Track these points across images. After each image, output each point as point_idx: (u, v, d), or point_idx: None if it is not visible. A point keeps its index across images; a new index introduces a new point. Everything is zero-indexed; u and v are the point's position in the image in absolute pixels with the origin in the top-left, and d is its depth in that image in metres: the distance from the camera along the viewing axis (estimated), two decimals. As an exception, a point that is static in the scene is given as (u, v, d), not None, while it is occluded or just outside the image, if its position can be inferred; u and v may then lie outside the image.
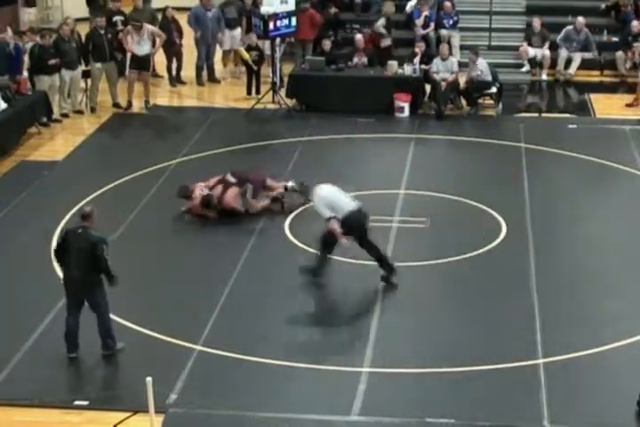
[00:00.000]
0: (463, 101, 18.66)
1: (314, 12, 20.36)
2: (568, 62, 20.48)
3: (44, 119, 17.73)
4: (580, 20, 20.36)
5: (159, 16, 20.43)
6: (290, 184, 14.21)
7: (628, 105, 18.69)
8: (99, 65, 18.55)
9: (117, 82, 18.89)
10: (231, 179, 13.91)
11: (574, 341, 10.65)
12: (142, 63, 18.67)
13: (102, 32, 18.53)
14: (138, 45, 18.48)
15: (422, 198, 14.57)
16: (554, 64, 20.51)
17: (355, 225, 11.66)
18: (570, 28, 20.40)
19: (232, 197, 13.76)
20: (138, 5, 20.47)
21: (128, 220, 13.75)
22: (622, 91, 19.96)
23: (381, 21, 20.29)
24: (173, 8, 20.34)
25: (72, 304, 10.32)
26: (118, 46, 18.90)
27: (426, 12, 20.92)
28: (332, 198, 11.79)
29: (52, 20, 23.91)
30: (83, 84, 18.72)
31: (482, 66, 18.35)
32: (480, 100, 18.64)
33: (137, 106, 18.94)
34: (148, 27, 18.76)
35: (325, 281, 12.02)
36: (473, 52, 18.62)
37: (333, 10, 21.38)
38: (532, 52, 20.55)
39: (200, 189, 13.75)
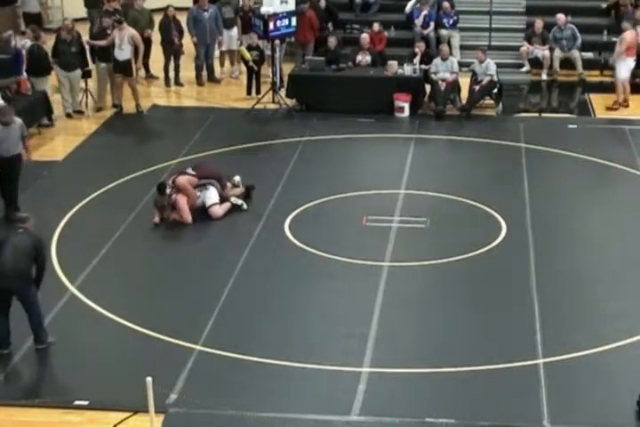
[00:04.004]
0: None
1: (312, 15, 20.36)
2: (568, 62, 20.48)
3: (45, 120, 17.73)
4: (560, 16, 20.30)
5: (160, 15, 20.42)
6: (237, 179, 14.35)
7: (610, 108, 18.66)
8: (103, 65, 18.52)
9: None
10: (190, 171, 13.91)
11: (574, 341, 10.65)
12: (124, 68, 18.31)
13: (109, 32, 18.48)
14: (119, 49, 18.13)
15: (422, 198, 14.58)
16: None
17: None
18: (554, 28, 20.40)
19: (186, 179, 13.71)
20: (137, 6, 20.42)
21: (128, 220, 13.74)
22: (622, 91, 19.96)
23: None
24: (175, 8, 20.33)
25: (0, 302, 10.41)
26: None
27: (425, 12, 20.92)
28: None
29: (52, 20, 23.89)
30: (82, 85, 18.69)
31: (491, 65, 18.37)
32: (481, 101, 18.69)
33: (131, 108, 18.76)
34: (130, 30, 18.44)
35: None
36: (482, 51, 18.60)
37: (323, 3, 21.27)
38: (533, 51, 20.53)
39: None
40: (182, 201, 13.57)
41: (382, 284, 11.98)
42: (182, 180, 13.67)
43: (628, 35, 18.59)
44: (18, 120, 13.86)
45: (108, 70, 18.57)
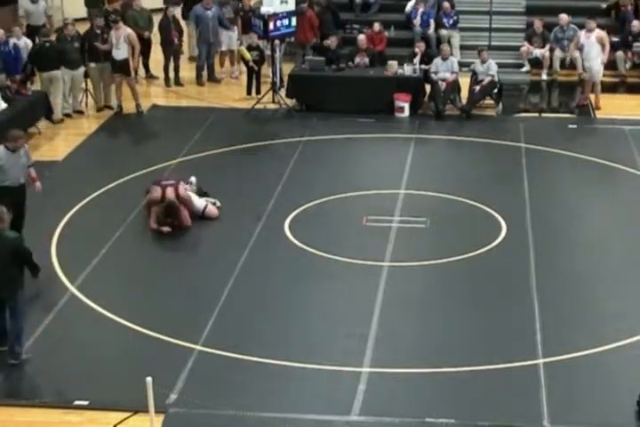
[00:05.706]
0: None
1: (312, 15, 20.38)
2: (563, 62, 20.51)
3: (44, 119, 17.73)
4: (563, 16, 20.32)
5: (159, 15, 20.42)
6: (192, 179, 14.24)
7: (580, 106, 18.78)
8: (93, 65, 18.50)
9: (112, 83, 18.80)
10: (181, 182, 13.80)
11: (574, 341, 10.65)
12: (122, 68, 18.29)
13: (99, 32, 18.48)
14: (115, 49, 18.14)
15: (422, 198, 14.58)
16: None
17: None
18: (556, 28, 20.42)
19: (188, 190, 13.69)
20: (136, 6, 20.41)
21: (128, 220, 13.75)
22: (622, 91, 19.96)
23: None
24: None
25: None
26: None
27: (421, 9, 20.92)
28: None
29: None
30: (83, 85, 18.69)
31: (492, 65, 18.39)
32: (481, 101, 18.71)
33: (131, 108, 18.75)
34: (127, 29, 18.43)
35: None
36: (485, 51, 18.61)
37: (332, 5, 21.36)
38: (533, 52, 20.53)
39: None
40: (186, 214, 13.50)
41: (382, 284, 11.98)
42: (184, 192, 13.60)
43: (605, 35, 18.64)
44: (25, 146, 13.02)
45: (99, 70, 18.55)
